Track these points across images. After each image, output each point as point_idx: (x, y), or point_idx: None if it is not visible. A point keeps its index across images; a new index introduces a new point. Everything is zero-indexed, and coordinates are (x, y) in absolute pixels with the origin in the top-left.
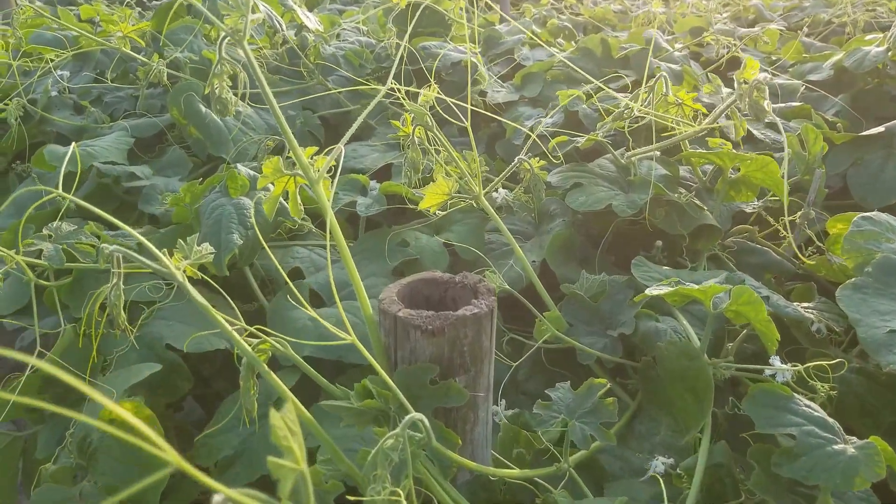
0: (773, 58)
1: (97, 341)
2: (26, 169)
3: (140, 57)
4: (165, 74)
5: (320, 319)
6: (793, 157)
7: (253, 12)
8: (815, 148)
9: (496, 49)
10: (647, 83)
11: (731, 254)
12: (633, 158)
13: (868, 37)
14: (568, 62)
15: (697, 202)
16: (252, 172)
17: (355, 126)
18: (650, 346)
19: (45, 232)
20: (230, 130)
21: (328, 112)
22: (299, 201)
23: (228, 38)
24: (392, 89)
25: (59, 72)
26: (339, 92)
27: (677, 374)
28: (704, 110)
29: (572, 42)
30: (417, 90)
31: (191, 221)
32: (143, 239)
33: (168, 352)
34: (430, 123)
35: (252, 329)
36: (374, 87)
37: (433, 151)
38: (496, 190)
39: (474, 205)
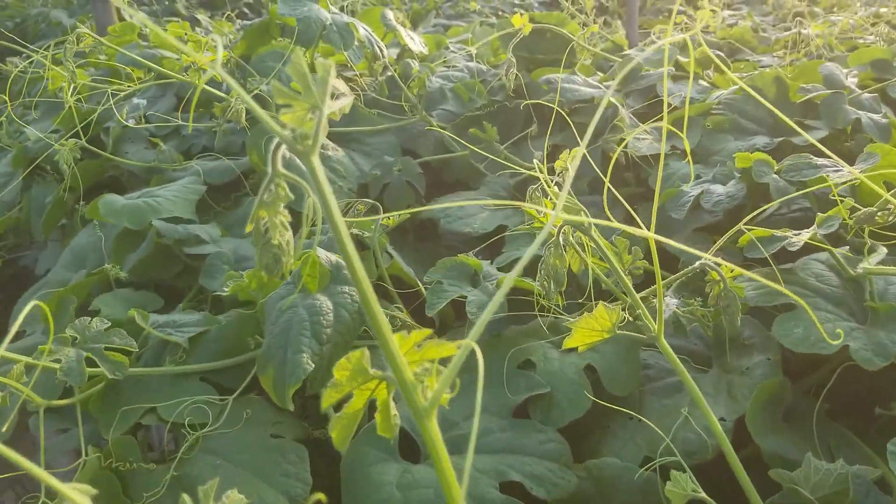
0: None
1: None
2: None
3: (215, 91)
4: (244, 114)
5: None
6: None
7: (333, 98)
8: None
9: (634, 84)
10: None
11: None
12: (870, 272)
13: None
14: (758, 96)
15: None
16: (334, 258)
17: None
18: None
19: (68, 332)
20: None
21: (431, 158)
22: (394, 413)
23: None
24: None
25: (136, 99)
26: (443, 130)
27: None
28: None
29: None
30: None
31: (258, 309)
32: None
33: None
34: (589, 227)
35: None
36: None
37: (588, 261)
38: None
39: (627, 316)
